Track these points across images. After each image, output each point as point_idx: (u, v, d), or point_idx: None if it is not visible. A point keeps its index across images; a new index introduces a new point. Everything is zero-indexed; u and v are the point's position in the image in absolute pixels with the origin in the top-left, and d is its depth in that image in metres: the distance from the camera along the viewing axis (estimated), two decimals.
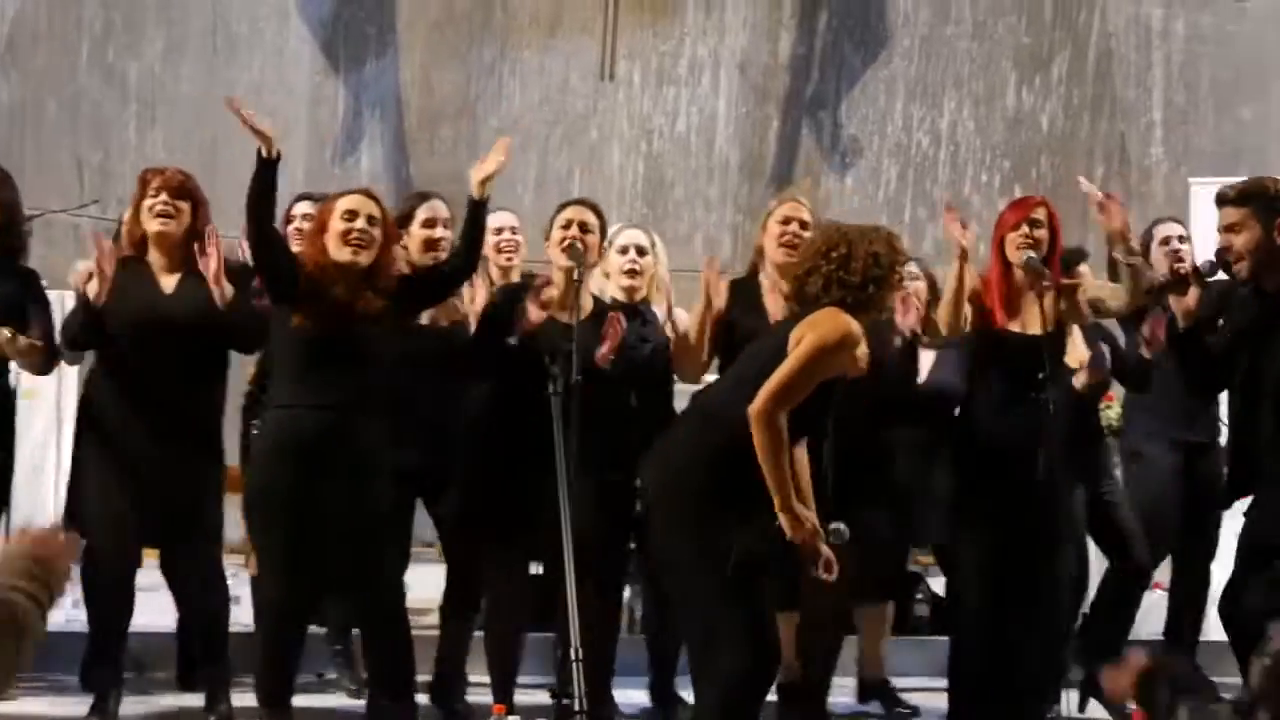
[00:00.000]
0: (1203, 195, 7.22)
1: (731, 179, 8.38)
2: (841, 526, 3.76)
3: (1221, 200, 4.16)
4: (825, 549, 3.63)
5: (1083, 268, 5.06)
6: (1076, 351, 4.81)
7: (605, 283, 4.86)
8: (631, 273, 4.78)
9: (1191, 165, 7.91)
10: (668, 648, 4.90)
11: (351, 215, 4.13)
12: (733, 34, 8.41)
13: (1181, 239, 5.31)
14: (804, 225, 4.48)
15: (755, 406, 3.56)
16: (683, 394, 4.71)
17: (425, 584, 4.82)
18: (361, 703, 4.50)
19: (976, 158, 8.35)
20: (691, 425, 3.79)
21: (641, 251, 4.86)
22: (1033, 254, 4.42)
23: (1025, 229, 4.41)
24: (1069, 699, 5.02)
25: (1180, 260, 5.18)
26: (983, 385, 4.56)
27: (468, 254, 4.26)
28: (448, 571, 4.68)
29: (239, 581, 4.93)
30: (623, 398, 4.48)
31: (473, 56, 8.32)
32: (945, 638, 4.82)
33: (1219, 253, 4.25)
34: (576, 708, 3.49)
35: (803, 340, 3.62)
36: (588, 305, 4.42)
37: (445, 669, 4.65)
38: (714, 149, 8.42)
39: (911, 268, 5.29)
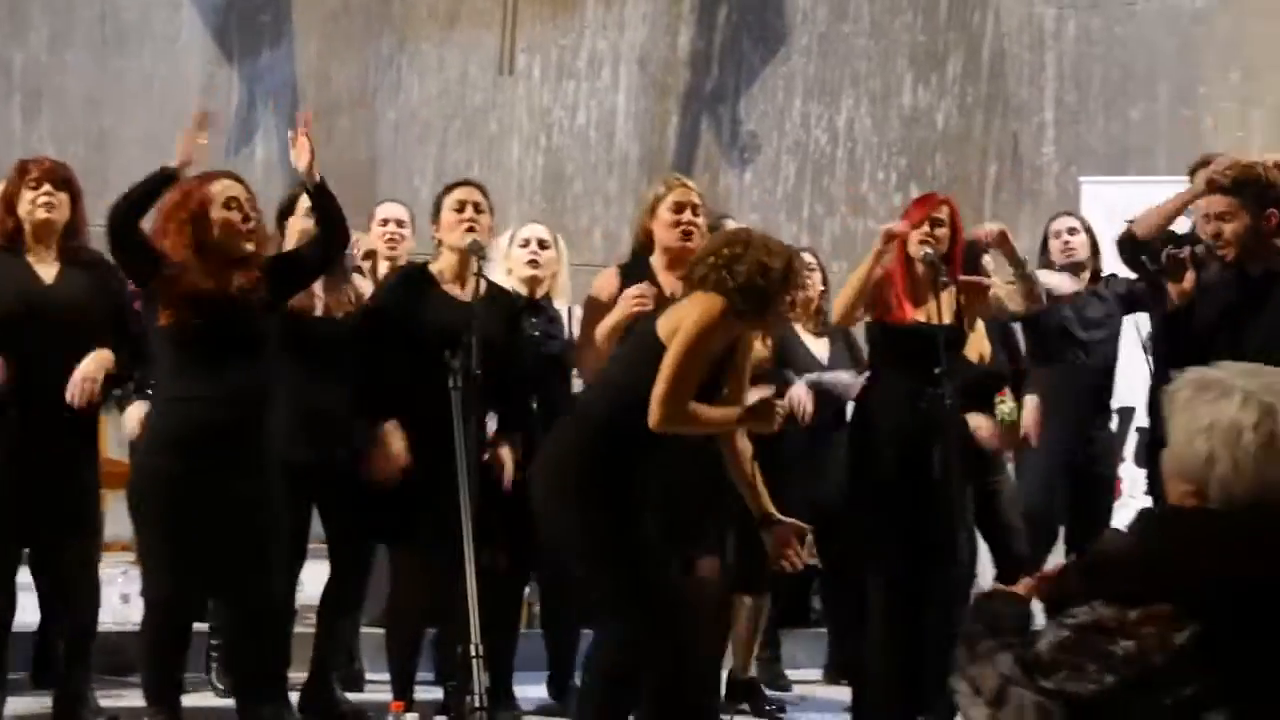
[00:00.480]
0: (1092, 194, 7.38)
1: (631, 173, 8.38)
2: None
3: (1213, 187, 4.31)
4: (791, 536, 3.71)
5: (987, 260, 5.16)
6: (979, 346, 4.90)
7: (506, 277, 4.85)
8: (533, 263, 4.78)
9: (1082, 164, 8.06)
10: (566, 642, 4.90)
11: (236, 203, 4.09)
12: (632, 28, 8.41)
13: (1072, 230, 5.49)
14: (696, 210, 4.47)
15: (653, 418, 3.55)
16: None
17: (309, 584, 4.77)
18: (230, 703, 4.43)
19: (873, 155, 8.43)
20: (568, 429, 3.79)
21: (543, 245, 4.85)
22: (930, 250, 4.49)
23: (927, 226, 4.49)
24: None
25: (1071, 251, 5.35)
26: (880, 378, 4.62)
27: (325, 238, 4.22)
28: (332, 569, 4.62)
29: (129, 579, 4.85)
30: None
31: (370, 48, 8.23)
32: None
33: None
34: (477, 704, 3.47)
35: (677, 330, 3.63)
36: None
37: (322, 668, 4.59)
38: (614, 143, 8.41)
39: (806, 257, 5.38)
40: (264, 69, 8.09)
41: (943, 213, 4.55)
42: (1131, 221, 4.74)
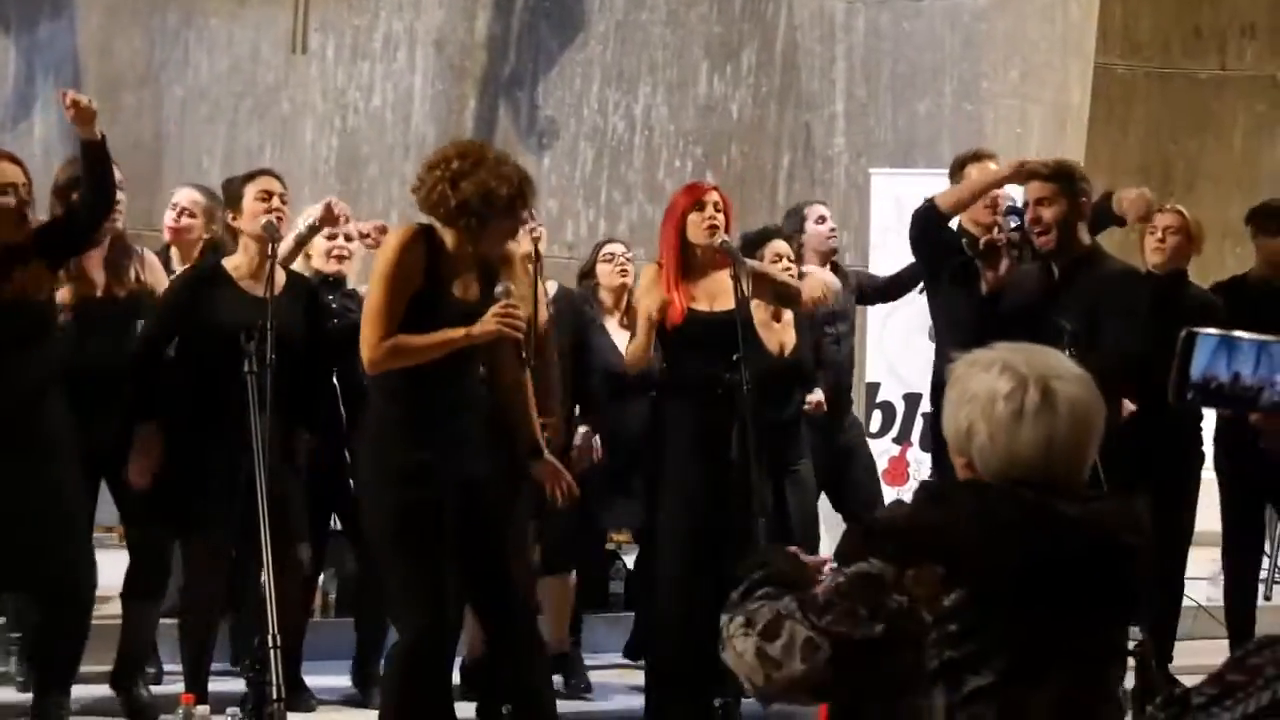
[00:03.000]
0: (881, 184, 7.58)
1: (428, 156, 8.29)
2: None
3: (1034, 175, 4.54)
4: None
5: (778, 245, 5.26)
6: (782, 336, 5.02)
7: (304, 263, 4.83)
8: (339, 258, 4.83)
9: (871, 156, 8.28)
10: (371, 629, 4.86)
11: (12, 189, 3.96)
12: (429, 11, 8.32)
13: (821, 219, 5.62)
14: None
15: (365, 358, 3.63)
16: None
17: (106, 570, 4.64)
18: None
19: (670, 143, 8.51)
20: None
21: (350, 238, 4.90)
22: (727, 237, 4.56)
23: (710, 211, 4.52)
24: None
25: (834, 239, 5.51)
26: (676, 365, 4.67)
27: (93, 197, 4.10)
28: (131, 556, 4.53)
29: None
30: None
31: (155, 22, 7.95)
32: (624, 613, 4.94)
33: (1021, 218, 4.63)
34: (275, 695, 3.41)
35: (373, 273, 3.71)
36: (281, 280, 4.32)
37: (127, 656, 4.49)
38: (410, 126, 8.31)
39: (618, 248, 5.43)
40: (43, 41, 7.76)
41: (715, 197, 4.60)
42: (932, 197, 4.86)
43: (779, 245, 5.12)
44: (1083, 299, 4.41)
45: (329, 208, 4.71)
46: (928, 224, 4.80)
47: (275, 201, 4.36)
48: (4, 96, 7.53)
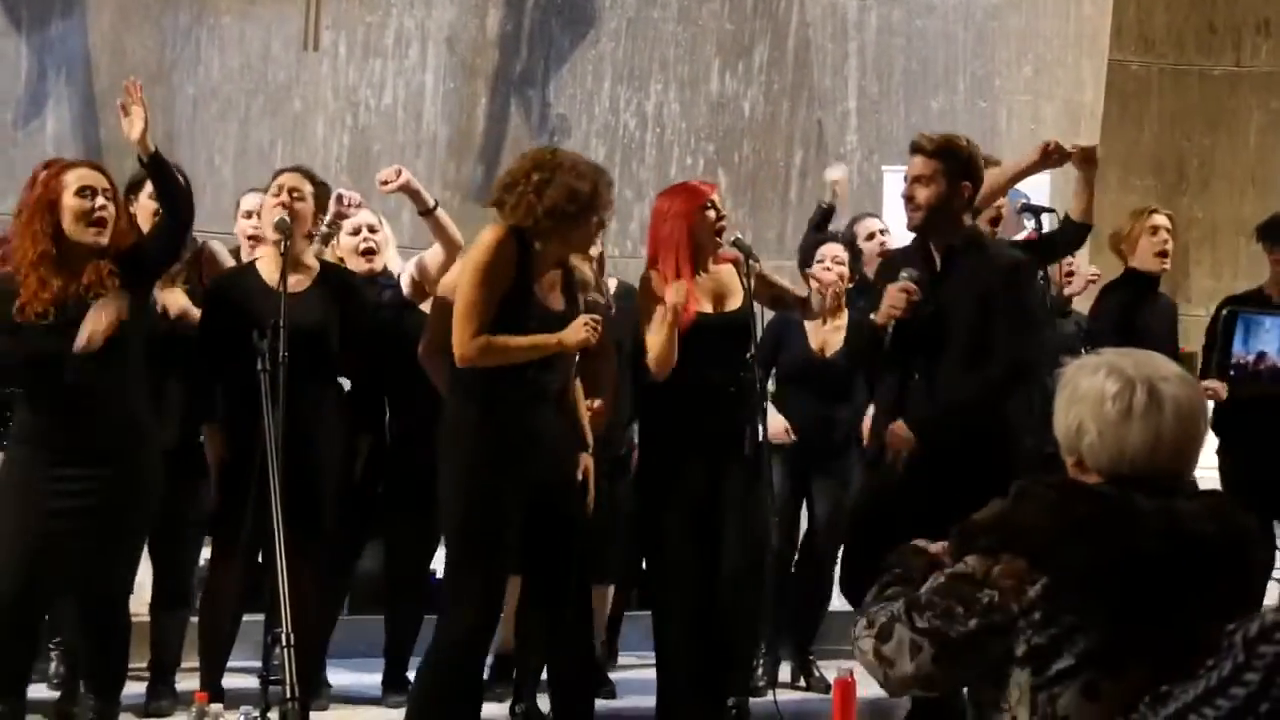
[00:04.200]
0: (894, 181, 7.56)
1: (439, 155, 8.29)
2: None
3: (916, 149, 4.15)
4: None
5: (833, 249, 5.26)
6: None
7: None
8: (369, 253, 4.82)
9: (884, 153, 8.26)
10: (402, 630, 4.86)
11: (90, 192, 3.90)
12: (440, 8, 8.32)
13: (882, 232, 5.57)
14: None
15: (456, 353, 3.69)
16: None
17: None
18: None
19: (682, 140, 8.50)
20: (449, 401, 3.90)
21: (373, 229, 4.88)
22: (738, 235, 4.53)
23: (714, 211, 4.49)
24: (772, 667, 5.18)
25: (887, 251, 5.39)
26: (685, 364, 4.58)
27: (168, 215, 4.07)
28: (155, 563, 4.54)
29: None
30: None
31: (167, 20, 7.96)
32: (648, 612, 4.92)
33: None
34: (288, 694, 3.40)
35: (463, 271, 3.75)
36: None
37: (161, 660, 4.56)
38: (422, 124, 8.31)
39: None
40: (54, 39, 7.77)
41: (716, 197, 4.57)
42: None
43: (834, 249, 5.14)
44: (969, 287, 4.09)
45: (336, 201, 4.70)
46: None
47: (285, 196, 4.34)
48: (16, 95, 7.54)
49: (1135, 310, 5.29)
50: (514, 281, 3.74)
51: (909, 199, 4.14)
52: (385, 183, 4.64)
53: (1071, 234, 5.07)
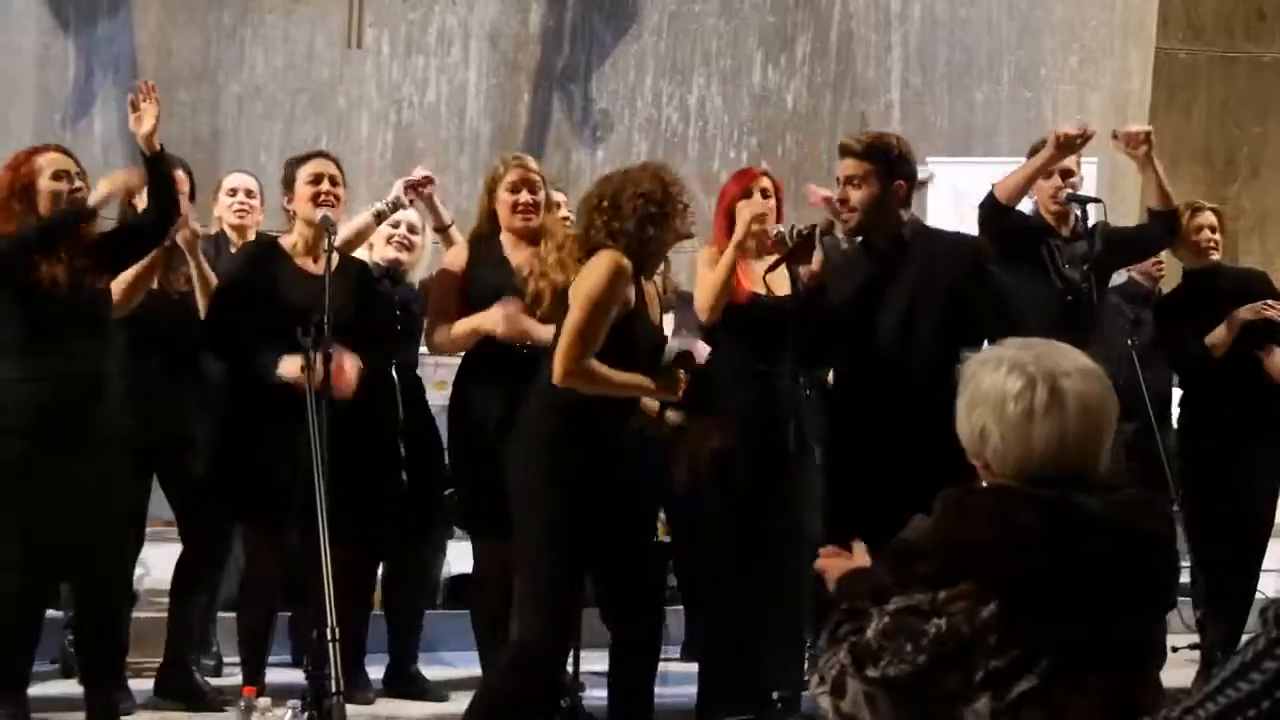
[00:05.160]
0: (938, 173, 7.52)
1: (482, 151, 8.30)
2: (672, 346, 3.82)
3: (845, 151, 4.09)
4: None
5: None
6: None
7: (366, 251, 4.83)
8: (404, 247, 4.80)
9: (928, 144, 8.19)
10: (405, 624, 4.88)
11: (65, 175, 4.00)
12: (482, 5, 8.33)
13: None
14: (535, 188, 4.47)
15: (557, 374, 3.68)
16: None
17: (162, 566, 4.67)
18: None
19: (725, 134, 8.47)
20: (531, 409, 3.88)
21: (413, 229, 4.87)
22: (780, 226, 4.50)
23: (758, 196, 4.47)
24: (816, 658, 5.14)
25: None
26: (727, 352, 4.54)
27: (155, 209, 4.12)
28: (185, 551, 4.54)
29: None
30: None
31: (212, 20, 8.02)
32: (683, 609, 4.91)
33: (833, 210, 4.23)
34: (333, 688, 3.42)
35: (577, 294, 3.71)
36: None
37: (172, 648, 4.52)
38: (465, 120, 8.33)
39: None
40: (101, 40, 7.84)
41: (766, 183, 4.54)
42: (993, 187, 4.78)
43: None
44: (934, 269, 4.02)
45: (419, 183, 4.65)
46: (992, 215, 4.72)
47: (325, 185, 4.33)
48: (64, 95, 7.61)
49: (1202, 314, 5.26)
50: (629, 306, 3.76)
51: (843, 201, 4.08)
52: (420, 185, 4.63)
53: (1160, 226, 5.03)
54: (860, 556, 2.30)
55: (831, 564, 2.30)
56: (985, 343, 3.90)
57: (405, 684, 4.76)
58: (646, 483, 3.95)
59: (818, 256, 4.16)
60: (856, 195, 4.04)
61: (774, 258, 4.33)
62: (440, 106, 8.30)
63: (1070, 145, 4.71)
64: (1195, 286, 5.41)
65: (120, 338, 4.18)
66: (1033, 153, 5.00)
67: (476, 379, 4.40)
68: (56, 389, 3.91)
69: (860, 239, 4.18)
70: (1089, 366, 2.12)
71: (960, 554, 2.01)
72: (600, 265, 3.74)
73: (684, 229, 3.91)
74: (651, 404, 3.92)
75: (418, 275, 4.98)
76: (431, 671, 4.93)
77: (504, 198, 4.45)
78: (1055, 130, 4.76)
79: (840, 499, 4.12)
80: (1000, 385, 2.08)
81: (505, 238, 4.48)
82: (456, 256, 4.48)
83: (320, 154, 4.53)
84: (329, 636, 3.46)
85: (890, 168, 4.05)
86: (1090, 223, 4.89)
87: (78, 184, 4.03)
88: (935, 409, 3.86)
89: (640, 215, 3.76)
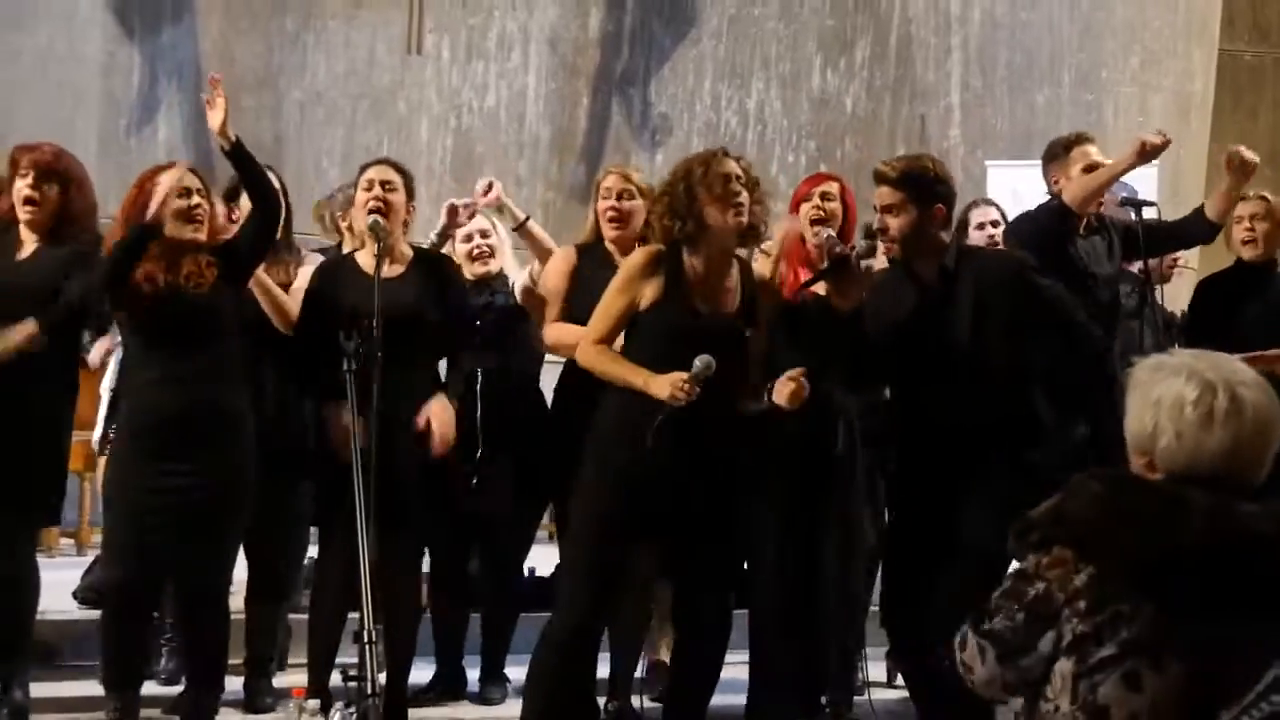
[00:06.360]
0: (997, 177, 7.48)
1: (542, 155, 8.35)
2: (706, 358, 3.79)
3: (880, 179, 4.00)
4: (695, 390, 3.69)
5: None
6: None
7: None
8: (481, 258, 4.84)
9: (988, 148, 8.16)
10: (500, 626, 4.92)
11: (186, 191, 4.07)
12: (542, 9, 8.38)
13: (995, 223, 5.44)
14: (624, 195, 4.55)
15: (579, 350, 3.86)
16: None
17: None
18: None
19: (783, 138, 8.47)
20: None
21: (485, 234, 4.90)
22: (831, 231, 4.47)
23: (816, 200, 4.44)
24: (868, 667, 5.14)
25: (995, 244, 5.28)
26: (781, 353, 4.53)
27: (255, 202, 4.16)
28: (250, 556, 4.61)
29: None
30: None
31: (274, 26, 8.12)
32: (744, 611, 4.89)
33: (871, 233, 4.17)
34: (369, 690, 3.44)
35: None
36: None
37: (252, 658, 4.62)
38: (524, 125, 8.38)
39: None
40: (165, 46, 7.96)
41: (832, 187, 4.50)
42: (1060, 196, 4.73)
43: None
44: (973, 300, 3.94)
45: (450, 212, 4.72)
46: (1055, 221, 4.68)
47: (377, 190, 4.33)
48: (129, 101, 7.73)
49: (1238, 301, 5.13)
50: (663, 291, 3.82)
51: (883, 230, 4.02)
52: (455, 212, 4.69)
53: (1203, 229, 4.99)
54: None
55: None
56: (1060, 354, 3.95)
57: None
58: (721, 466, 3.92)
59: (856, 278, 4.07)
60: (895, 224, 3.97)
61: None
62: (500, 111, 8.36)
63: (1155, 153, 4.68)
64: (1244, 278, 5.27)
65: (241, 343, 4.22)
66: (1046, 158, 4.95)
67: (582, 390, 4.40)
68: (170, 394, 4.00)
69: (903, 268, 4.10)
70: (1260, 378, 2.25)
71: (1063, 523, 2.17)
72: (632, 259, 3.89)
73: (726, 218, 3.82)
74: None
75: (511, 271, 4.98)
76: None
77: (599, 205, 4.56)
78: (1141, 137, 4.71)
79: (902, 510, 4.13)
80: (1179, 390, 2.20)
81: (611, 246, 4.57)
82: (562, 262, 4.56)
83: (381, 161, 4.55)
84: (365, 638, 3.49)
85: (927, 192, 3.96)
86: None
87: (196, 200, 4.08)
88: (1011, 432, 3.99)
89: (683, 203, 3.81)
